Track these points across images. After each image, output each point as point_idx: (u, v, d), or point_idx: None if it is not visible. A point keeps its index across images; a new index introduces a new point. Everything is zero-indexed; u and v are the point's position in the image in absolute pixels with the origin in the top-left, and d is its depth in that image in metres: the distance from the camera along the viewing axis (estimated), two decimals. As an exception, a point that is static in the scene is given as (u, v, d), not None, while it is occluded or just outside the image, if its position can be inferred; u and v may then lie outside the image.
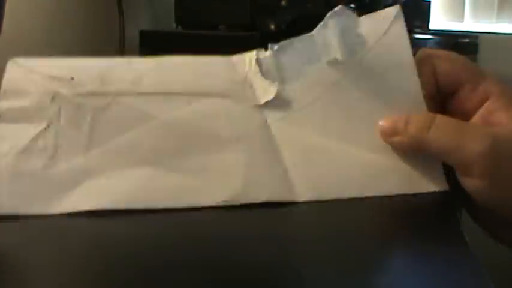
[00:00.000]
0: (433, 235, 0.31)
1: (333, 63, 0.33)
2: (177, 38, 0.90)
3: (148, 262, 0.26)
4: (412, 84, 0.32)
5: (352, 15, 0.33)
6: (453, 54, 0.33)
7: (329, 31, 0.33)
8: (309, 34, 0.34)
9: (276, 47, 0.34)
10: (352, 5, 0.92)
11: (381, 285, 0.25)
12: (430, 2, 1.08)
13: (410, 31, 0.33)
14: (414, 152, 0.31)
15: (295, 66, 0.33)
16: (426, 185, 0.32)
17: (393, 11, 0.33)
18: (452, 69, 0.32)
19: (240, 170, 0.31)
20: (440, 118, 0.30)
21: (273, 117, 0.32)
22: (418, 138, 0.30)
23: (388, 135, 0.31)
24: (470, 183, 0.30)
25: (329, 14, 0.33)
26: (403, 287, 0.26)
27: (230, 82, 0.33)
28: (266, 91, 0.33)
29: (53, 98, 0.32)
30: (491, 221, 0.33)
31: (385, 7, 0.33)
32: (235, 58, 0.34)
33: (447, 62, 0.32)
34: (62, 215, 0.30)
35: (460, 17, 1.29)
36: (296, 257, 0.27)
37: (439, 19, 1.29)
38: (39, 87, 0.32)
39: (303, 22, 0.86)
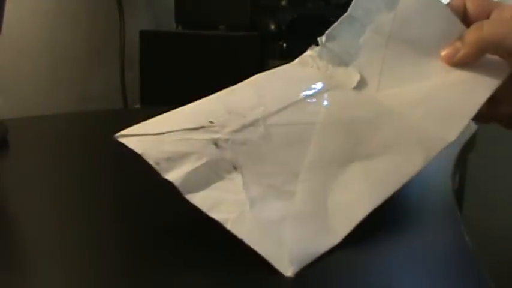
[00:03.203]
0: (432, 234, 0.31)
1: (380, 23, 0.35)
2: (177, 38, 0.90)
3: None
4: (451, 21, 0.35)
5: None
6: None
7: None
8: (344, 15, 0.35)
9: (323, 38, 0.35)
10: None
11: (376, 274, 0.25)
12: (430, 2, 1.08)
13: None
14: (477, 57, 0.35)
15: (350, 45, 0.35)
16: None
17: None
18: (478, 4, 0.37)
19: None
20: (487, 20, 0.35)
21: (384, 94, 0.34)
22: (476, 40, 0.34)
23: (452, 56, 0.35)
24: None
25: None
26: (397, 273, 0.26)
27: (318, 79, 0.34)
28: (350, 76, 0.34)
29: (216, 145, 0.29)
30: None
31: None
32: (298, 61, 0.36)
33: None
34: None
35: (460, 17, 1.29)
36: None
37: (439, 19, 1.29)
38: (194, 143, 0.29)
39: (303, 22, 0.86)
